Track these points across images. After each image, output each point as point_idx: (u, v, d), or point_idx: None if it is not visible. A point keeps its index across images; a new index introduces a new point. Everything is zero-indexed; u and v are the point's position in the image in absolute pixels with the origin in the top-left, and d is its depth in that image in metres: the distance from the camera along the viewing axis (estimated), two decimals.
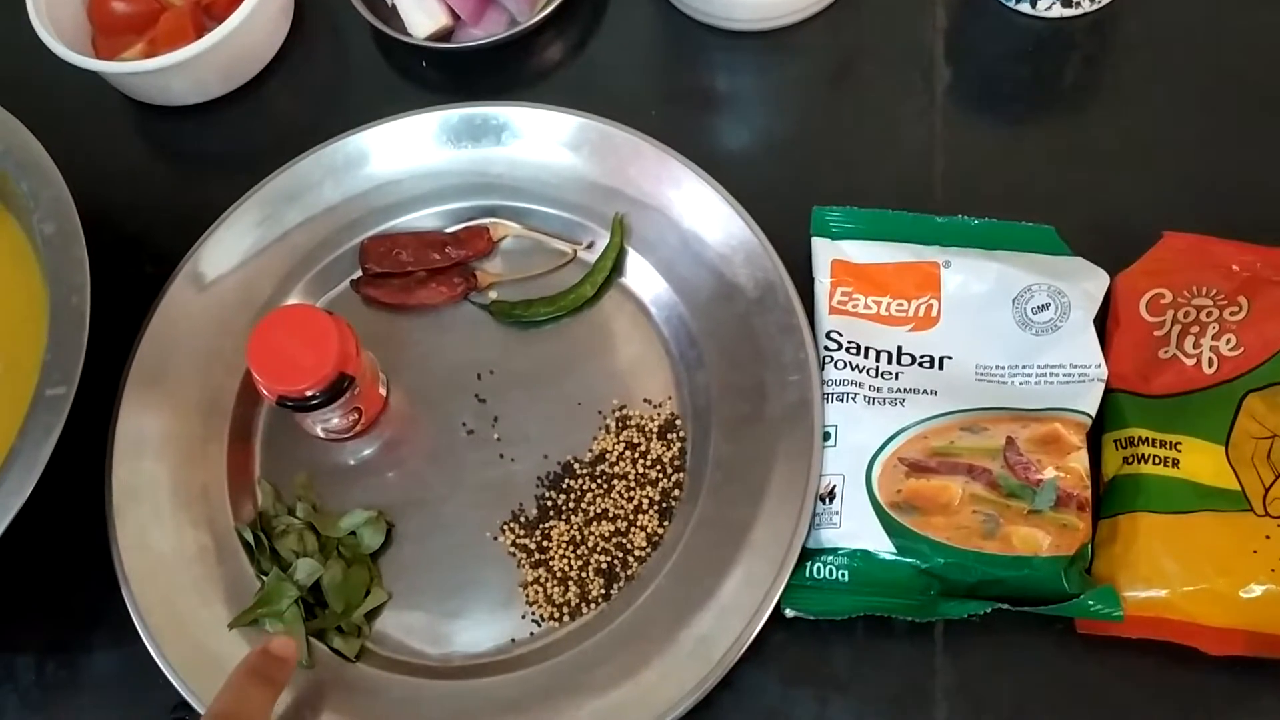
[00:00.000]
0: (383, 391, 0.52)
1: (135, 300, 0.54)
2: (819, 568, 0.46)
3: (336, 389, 0.48)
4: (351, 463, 0.52)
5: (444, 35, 0.59)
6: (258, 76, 0.61)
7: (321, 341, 0.47)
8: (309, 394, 0.47)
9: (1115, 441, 0.47)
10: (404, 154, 0.55)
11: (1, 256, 0.53)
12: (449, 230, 0.55)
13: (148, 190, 0.61)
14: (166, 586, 0.48)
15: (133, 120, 0.62)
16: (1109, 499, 0.46)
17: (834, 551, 0.45)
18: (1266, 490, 0.44)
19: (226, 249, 0.54)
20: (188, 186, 0.61)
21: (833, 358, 0.48)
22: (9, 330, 0.52)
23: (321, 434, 0.52)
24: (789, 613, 0.45)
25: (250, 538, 0.50)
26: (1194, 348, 0.47)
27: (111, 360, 0.52)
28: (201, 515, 0.50)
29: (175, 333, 0.53)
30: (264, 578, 0.49)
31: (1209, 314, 0.48)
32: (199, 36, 0.58)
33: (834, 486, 0.46)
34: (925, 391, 0.47)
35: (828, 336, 0.49)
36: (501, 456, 0.51)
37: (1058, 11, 0.56)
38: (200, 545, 0.49)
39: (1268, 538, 0.43)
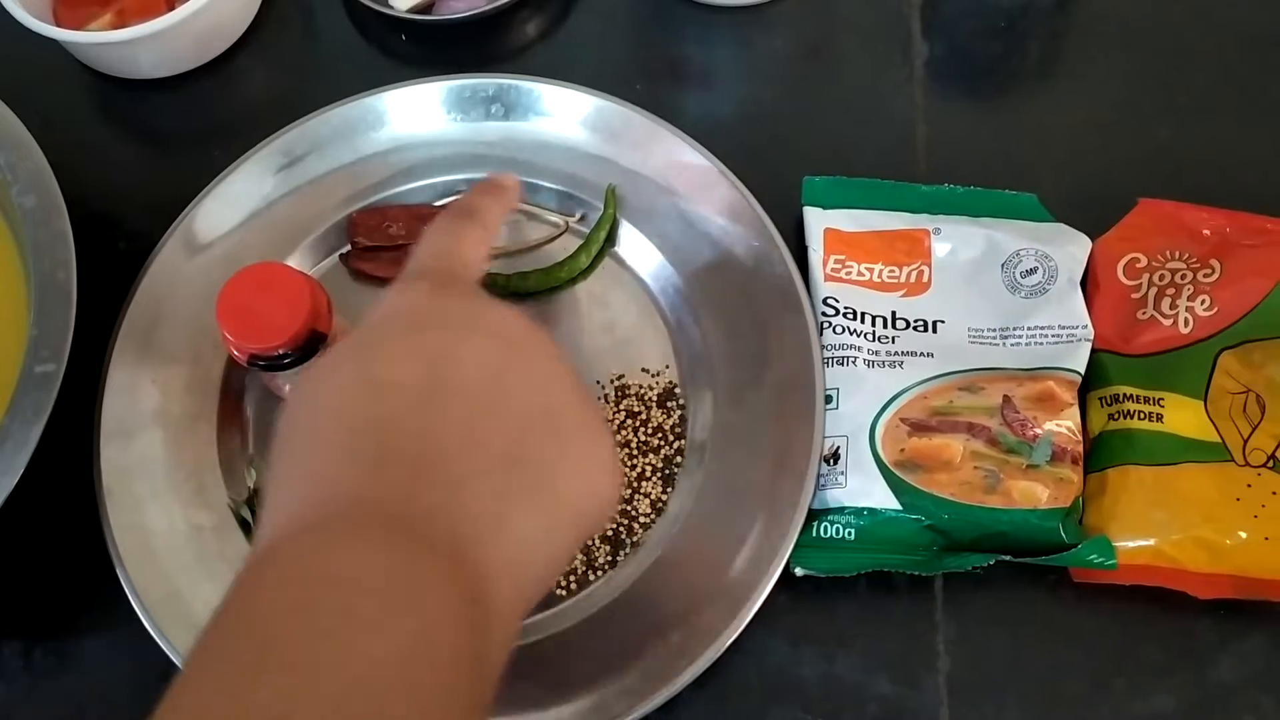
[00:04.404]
0: None
1: (111, 278, 0.53)
2: (826, 527, 0.47)
3: (309, 347, 0.47)
4: None
5: (424, 9, 0.59)
6: (229, 50, 0.60)
7: (293, 298, 0.46)
8: (281, 352, 0.46)
9: (1100, 399, 0.49)
10: (394, 126, 0.55)
11: None
12: (439, 203, 0.54)
13: (115, 166, 0.59)
14: (163, 566, 0.47)
15: (96, 94, 0.61)
16: (1096, 454, 0.48)
17: (840, 511, 0.47)
18: (1245, 441, 0.47)
19: (211, 223, 0.53)
20: (157, 162, 0.60)
21: (830, 323, 0.49)
22: None
23: None
24: (799, 571, 0.46)
25: (248, 515, 0.49)
26: (1170, 309, 0.49)
27: (91, 340, 0.51)
28: (196, 493, 0.49)
29: (160, 309, 0.52)
30: None
31: (1183, 276, 0.50)
32: (170, 8, 0.56)
33: (838, 448, 0.47)
34: (922, 354, 0.49)
35: (824, 303, 0.50)
36: None
37: None
38: (196, 524, 0.48)
39: (1249, 486, 0.46)
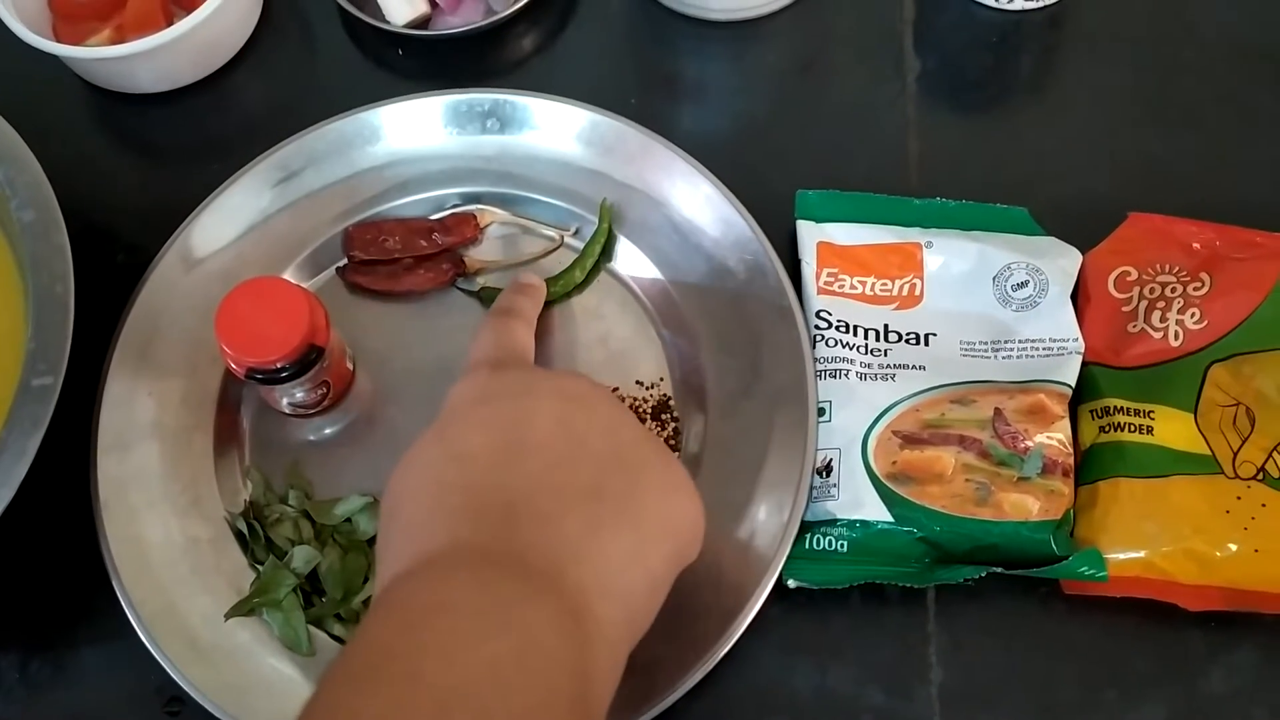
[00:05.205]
0: (350, 366, 0.52)
1: (108, 291, 0.53)
2: (818, 539, 0.47)
3: (306, 361, 0.47)
4: (343, 449, 0.52)
5: (420, 24, 0.59)
6: (227, 65, 0.61)
7: (291, 312, 0.46)
8: (279, 366, 0.47)
9: (1091, 411, 0.49)
10: (390, 140, 0.55)
11: None
12: (435, 217, 0.55)
13: (114, 180, 0.59)
14: (159, 578, 0.48)
15: (95, 109, 0.61)
16: (1087, 466, 0.48)
17: (833, 523, 0.47)
18: (1235, 454, 0.47)
19: (208, 237, 0.53)
20: (155, 176, 0.60)
21: (823, 336, 0.50)
22: None
23: (288, 409, 0.51)
24: (791, 583, 0.47)
25: (244, 527, 0.49)
26: (1160, 322, 0.50)
27: (88, 352, 0.51)
28: (192, 505, 0.49)
29: (157, 322, 0.52)
30: (259, 567, 0.48)
31: (1173, 290, 0.50)
32: (169, 23, 0.57)
33: (830, 460, 0.47)
34: (914, 367, 0.49)
35: (817, 316, 0.50)
36: None
37: (1019, 4, 0.58)
38: (192, 536, 0.49)
39: (1239, 498, 0.46)
